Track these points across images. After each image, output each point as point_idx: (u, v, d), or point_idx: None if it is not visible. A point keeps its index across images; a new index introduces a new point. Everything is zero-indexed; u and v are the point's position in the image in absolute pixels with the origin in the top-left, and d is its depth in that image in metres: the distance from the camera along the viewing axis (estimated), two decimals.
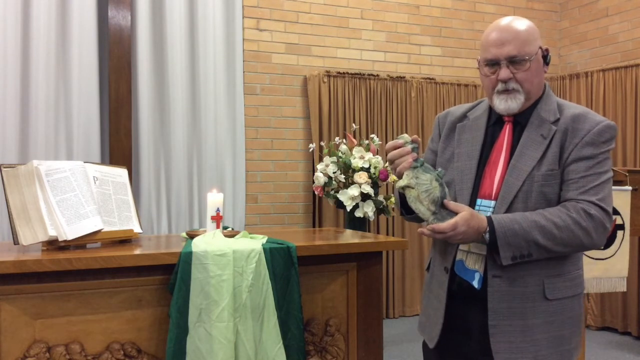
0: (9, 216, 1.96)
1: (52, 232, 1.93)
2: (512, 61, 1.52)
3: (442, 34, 5.17)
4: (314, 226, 4.58)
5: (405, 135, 1.60)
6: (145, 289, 1.94)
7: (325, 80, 4.60)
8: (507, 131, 1.59)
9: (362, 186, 3.65)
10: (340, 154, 3.82)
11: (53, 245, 1.96)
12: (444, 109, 4.95)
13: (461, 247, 1.58)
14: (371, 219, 3.80)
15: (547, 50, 1.58)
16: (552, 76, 4.90)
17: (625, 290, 2.72)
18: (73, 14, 3.90)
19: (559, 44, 5.55)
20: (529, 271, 1.50)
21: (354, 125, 4.33)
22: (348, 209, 3.69)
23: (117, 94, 3.86)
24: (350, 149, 3.82)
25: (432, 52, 5.13)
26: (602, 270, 2.64)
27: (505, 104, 1.55)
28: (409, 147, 1.56)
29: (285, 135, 4.61)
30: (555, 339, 1.51)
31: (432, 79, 5.02)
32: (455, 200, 1.57)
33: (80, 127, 3.92)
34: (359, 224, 3.75)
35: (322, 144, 4.18)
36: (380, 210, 3.83)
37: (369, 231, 4.25)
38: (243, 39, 4.46)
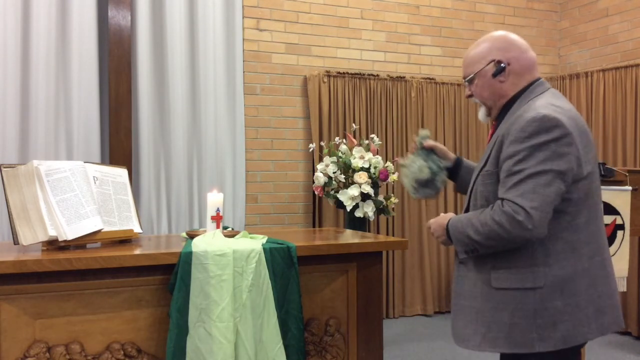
0: (9, 216, 1.96)
1: (52, 232, 1.93)
2: (467, 81, 1.78)
3: (442, 34, 5.17)
4: (314, 226, 4.58)
5: (422, 131, 1.95)
6: (145, 289, 1.94)
7: (325, 80, 4.60)
8: (489, 135, 1.79)
9: (362, 186, 3.65)
10: (340, 154, 3.82)
11: (53, 245, 1.96)
12: (444, 109, 5.01)
13: None
14: (371, 219, 3.80)
15: (498, 61, 1.70)
16: (552, 76, 4.90)
17: (625, 290, 2.72)
18: (73, 14, 3.90)
19: (559, 44, 5.55)
20: (483, 260, 1.66)
21: (354, 125, 4.33)
22: (348, 209, 3.69)
23: (117, 94, 3.86)
24: (350, 149, 3.82)
25: (432, 52, 5.13)
26: None
27: (479, 114, 1.83)
28: (418, 138, 1.93)
29: (285, 135, 4.61)
30: (507, 326, 1.60)
31: (432, 79, 5.02)
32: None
33: (80, 127, 3.92)
34: (359, 224, 3.75)
35: (322, 144, 4.18)
36: (380, 210, 3.83)
37: (369, 231, 4.25)
38: (243, 39, 4.46)
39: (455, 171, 1.98)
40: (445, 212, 1.81)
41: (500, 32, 1.77)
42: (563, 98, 1.71)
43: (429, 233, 1.90)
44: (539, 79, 1.74)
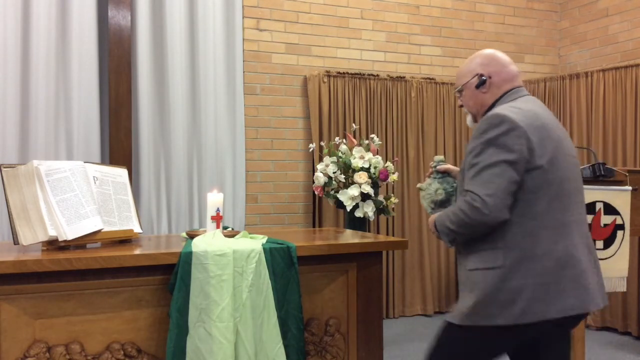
0: (9, 216, 1.96)
1: (52, 232, 1.93)
2: (457, 92, 2.02)
3: (442, 34, 5.17)
4: (314, 226, 4.58)
5: (437, 157, 2.17)
6: (145, 289, 1.94)
7: (325, 80, 4.60)
8: None
9: (362, 186, 3.65)
10: (340, 154, 3.82)
11: (53, 245, 1.96)
12: (444, 109, 5.01)
13: None
14: (371, 219, 3.80)
15: (481, 75, 1.92)
16: (552, 76, 4.90)
17: (625, 290, 2.72)
18: (73, 14, 3.90)
19: (559, 44, 5.55)
20: (464, 248, 1.87)
21: (354, 125, 4.33)
22: (348, 209, 3.69)
23: (117, 94, 3.86)
24: (350, 149, 3.82)
25: (432, 52, 5.13)
26: (602, 270, 2.64)
27: (467, 121, 2.07)
28: (433, 163, 2.14)
29: (285, 135, 4.61)
30: (473, 302, 1.77)
31: (432, 79, 5.02)
32: None
33: (80, 127, 3.92)
34: (359, 224, 3.75)
35: (322, 144, 4.18)
36: (380, 210, 3.83)
37: (369, 231, 4.25)
38: (243, 39, 4.46)
39: None
40: None
41: (487, 50, 2.00)
42: (534, 103, 1.88)
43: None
44: (515, 87, 1.92)
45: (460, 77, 1.99)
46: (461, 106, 2.03)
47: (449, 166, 2.13)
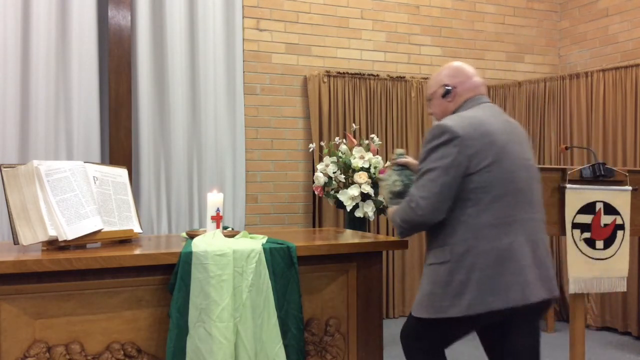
0: (9, 216, 1.96)
1: (52, 232, 1.93)
2: (428, 101, 2.21)
3: (442, 34, 5.17)
4: (314, 226, 4.58)
5: (398, 150, 2.28)
6: (145, 289, 1.94)
7: (325, 80, 4.60)
8: None
9: (362, 186, 3.65)
10: (340, 154, 3.81)
11: (53, 245, 1.96)
12: None
13: None
14: (371, 219, 3.80)
15: (447, 85, 2.10)
16: (552, 76, 4.90)
17: (625, 290, 2.72)
18: (73, 14, 3.90)
19: (559, 44, 5.55)
20: (427, 245, 2.07)
21: (354, 125, 4.33)
22: (348, 209, 3.68)
23: (117, 94, 3.86)
24: (350, 149, 3.82)
25: (432, 52, 5.13)
26: (602, 270, 2.64)
27: None
28: (394, 156, 2.26)
29: (285, 135, 4.61)
30: (427, 295, 1.96)
31: None
32: None
33: (80, 127, 3.92)
34: (359, 224, 3.75)
35: (322, 144, 4.18)
36: (380, 210, 3.82)
37: (369, 231, 4.25)
38: (243, 39, 4.46)
39: None
40: None
41: (455, 63, 2.16)
42: (487, 110, 2.03)
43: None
44: (476, 96, 2.08)
45: (430, 87, 2.18)
46: (431, 114, 2.21)
47: (408, 160, 2.25)
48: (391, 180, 2.22)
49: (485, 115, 2.00)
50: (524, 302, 1.89)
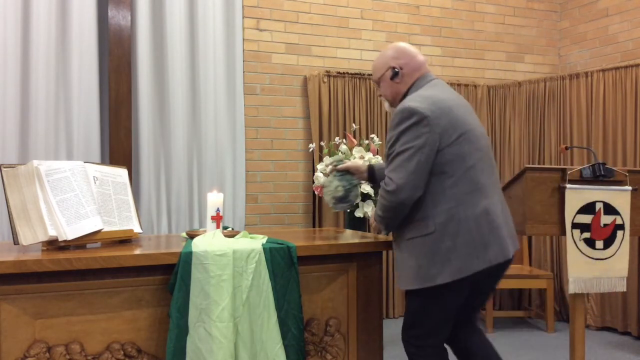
0: (9, 216, 1.96)
1: (52, 232, 1.93)
2: (376, 84, 2.27)
3: (442, 34, 5.17)
4: (314, 226, 4.58)
5: (336, 156, 2.39)
6: (145, 289, 1.94)
7: (325, 80, 4.60)
8: None
9: (362, 186, 3.65)
10: (340, 154, 3.81)
11: (53, 245, 1.96)
12: None
13: None
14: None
15: (394, 67, 2.17)
16: (552, 76, 4.89)
17: (625, 290, 2.72)
18: (73, 14, 3.90)
19: (559, 44, 5.55)
20: (404, 222, 2.10)
21: (354, 125, 4.33)
22: (348, 209, 3.68)
23: (117, 94, 3.86)
24: (350, 149, 3.82)
25: (432, 52, 5.13)
26: (602, 270, 2.63)
27: (386, 106, 2.31)
28: (334, 162, 2.38)
29: (285, 135, 4.61)
30: (415, 268, 2.04)
31: None
32: None
33: (80, 127, 3.92)
34: (359, 224, 3.74)
35: (322, 144, 4.18)
36: None
37: (369, 231, 4.25)
38: (243, 39, 4.47)
39: (373, 177, 2.40)
40: None
41: (396, 44, 2.23)
42: (440, 87, 2.15)
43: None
44: (424, 75, 2.18)
45: (376, 70, 2.22)
46: (380, 96, 2.28)
47: (348, 165, 2.36)
48: (333, 186, 2.31)
49: (441, 92, 2.11)
50: (504, 258, 2.03)
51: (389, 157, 2.04)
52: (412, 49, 2.22)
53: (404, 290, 2.17)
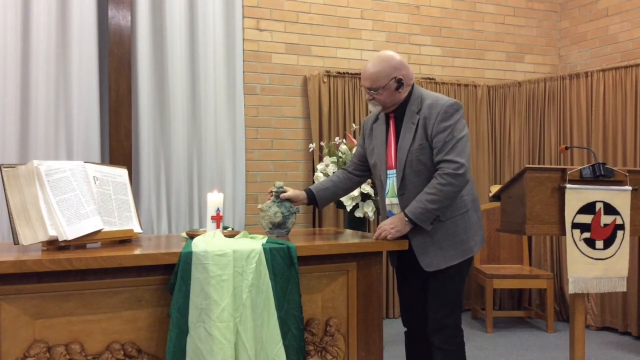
0: (9, 216, 1.96)
1: (52, 232, 1.93)
2: (369, 89, 2.40)
3: (442, 34, 5.17)
4: (314, 226, 4.58)
5: (277, 183, 2.46)
6: (145, 289, 1.94)
7: (325, 80, 4.60)
8: (391, 123, 2.45)
9: (362, 186, 3.65)
10: (340, 154, 3.82)
11: (53, 245, 1.96)
12: None
13: (388, 206, 2.45)
14: (371, 219, 3.80)
15: (400, 79, 2.35)
16: (552, 76, 4.89)
17: (625, 290, 2.72)
18: (73, 14, 3.90)
19: (559, 44, 5.55)
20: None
21: (354, 125, 4.33)
22: (348, 209, 3.69)
23: (117, 94, 3.86)
24: (350, 149, 3.82)
25: (432, 52, 5.13)
26: (602, 270, 2.63)
27: (373, 108, 2.47)
28: (274, 188, 2.45)
29: (285, 135, 4.61)
30: (457, 243, 2.31)
31: (432, 79, 5.02)
32: (380, 173, 2.46)
33: (80, 127, 3.92)
34: (359, 224, 3.75)
35: (322, 144, 4.18)
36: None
37: (369, 231, 4.25)
38: (243, 39, 4.47)
39: (314, 201, 2.57)
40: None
41: (396, 55, 2.38)
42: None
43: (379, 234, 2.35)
44: (413, 82, 2.44)
45: (378, 80, 2.36)
46: (371, 99, 2.42)
47: (289, 194, 2.45)
48: (272, 212, 2.40)
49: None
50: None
51: (451, 142, 2.24)
52: (401, 57, 2.45)
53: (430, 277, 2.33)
